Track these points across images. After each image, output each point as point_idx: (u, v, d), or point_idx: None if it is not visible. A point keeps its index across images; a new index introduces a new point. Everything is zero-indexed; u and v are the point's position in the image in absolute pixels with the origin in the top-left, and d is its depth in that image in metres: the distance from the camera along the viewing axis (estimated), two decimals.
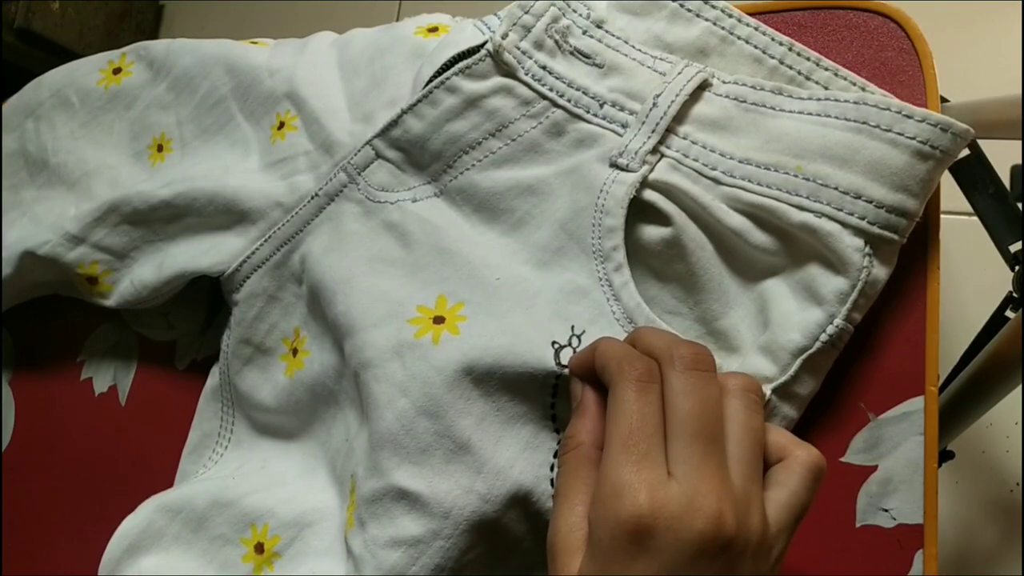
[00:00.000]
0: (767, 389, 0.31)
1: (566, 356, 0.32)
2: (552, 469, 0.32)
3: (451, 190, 0.37)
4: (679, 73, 0.35)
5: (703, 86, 0.34)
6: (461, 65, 0.36)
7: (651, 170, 0.34)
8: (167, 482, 0.42)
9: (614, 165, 0.34)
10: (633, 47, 0.36)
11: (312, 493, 0.37)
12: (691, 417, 0.26)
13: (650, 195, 0.34)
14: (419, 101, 0.37)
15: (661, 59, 0.36)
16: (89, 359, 0.48)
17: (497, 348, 0.32)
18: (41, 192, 0.46)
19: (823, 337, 0.31)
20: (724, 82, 0.35)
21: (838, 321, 0.31)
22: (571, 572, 0.26)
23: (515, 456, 0.32)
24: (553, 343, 0.32)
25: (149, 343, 0.47)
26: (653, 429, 0.26)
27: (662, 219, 0.34)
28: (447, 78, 0.36)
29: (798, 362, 0.31)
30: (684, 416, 0.26)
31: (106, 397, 0.47)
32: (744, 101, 0.34)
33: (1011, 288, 0.63)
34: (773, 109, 0.33)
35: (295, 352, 0.40)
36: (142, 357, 0.47)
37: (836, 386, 0.35)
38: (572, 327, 0.33)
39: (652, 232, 0.34)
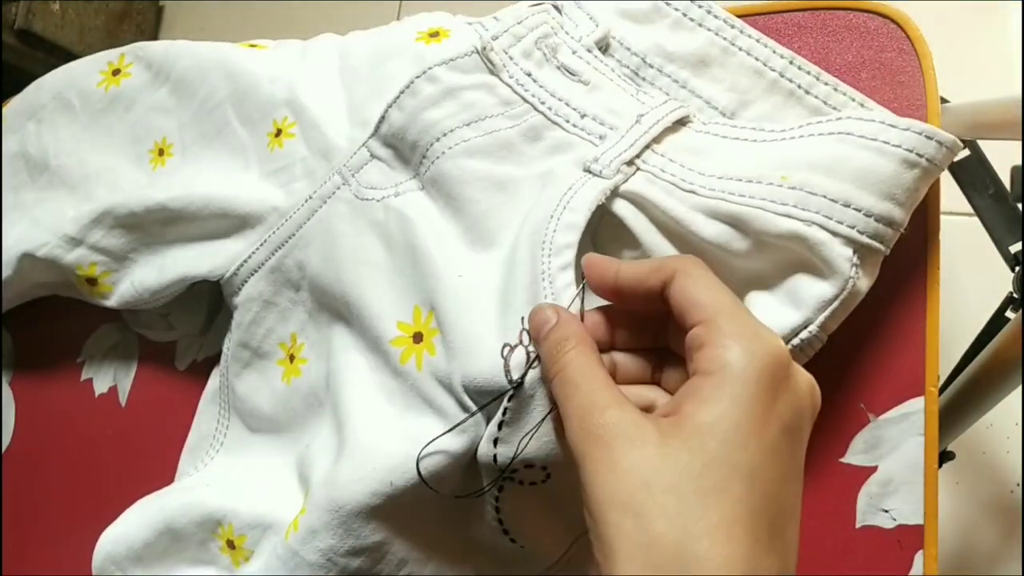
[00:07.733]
0: None
1: (517, 357, 0.30)
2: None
3: (426, 181, 0.36)
4: (663, 103, 0.35)
5: (683, 121, 0.34)
6: (445, 56, 0.36)
7: (625, 180, 0.33)
8: (167, 483, 0.42)
9: (587, 171, 0.33)
10: (619, 76, 0.36)
11: (278, 497, 0.37)
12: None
13: (620, 208, 0.33)
14: (401, 93, 0.36)
15: (644, 92, 0.36)
16: (89, 359, 0.48)
17: (459, 369, 0.31)
18: (42, 194, 0.46)
19: (795, 341, 0.30)
20: (704, 123, 0.35)
21: (813, 328, 0.30)
22: (633, 455, 0.23)
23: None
24: (503, 347, 0.30)
25: (149, 344, 0.47)
26: None
27: (632, 242, 0.33)
28: (429, 68, 0.36)
29: None
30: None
31: (106, 398, 0.47)
32: (724, 137, 0.34)
33: (1011, 288, 0.63)
34: (755, 142, 0.33)
35: (292, 358, 0.40)
36: (142, 358, 0.47)
37: (836, 386, 0.35)
38: (522, 319, 0.30)
39: (625, 256, 0.33)
